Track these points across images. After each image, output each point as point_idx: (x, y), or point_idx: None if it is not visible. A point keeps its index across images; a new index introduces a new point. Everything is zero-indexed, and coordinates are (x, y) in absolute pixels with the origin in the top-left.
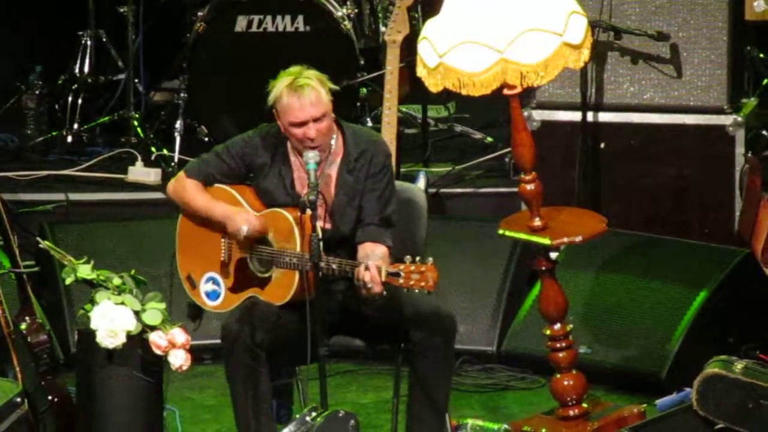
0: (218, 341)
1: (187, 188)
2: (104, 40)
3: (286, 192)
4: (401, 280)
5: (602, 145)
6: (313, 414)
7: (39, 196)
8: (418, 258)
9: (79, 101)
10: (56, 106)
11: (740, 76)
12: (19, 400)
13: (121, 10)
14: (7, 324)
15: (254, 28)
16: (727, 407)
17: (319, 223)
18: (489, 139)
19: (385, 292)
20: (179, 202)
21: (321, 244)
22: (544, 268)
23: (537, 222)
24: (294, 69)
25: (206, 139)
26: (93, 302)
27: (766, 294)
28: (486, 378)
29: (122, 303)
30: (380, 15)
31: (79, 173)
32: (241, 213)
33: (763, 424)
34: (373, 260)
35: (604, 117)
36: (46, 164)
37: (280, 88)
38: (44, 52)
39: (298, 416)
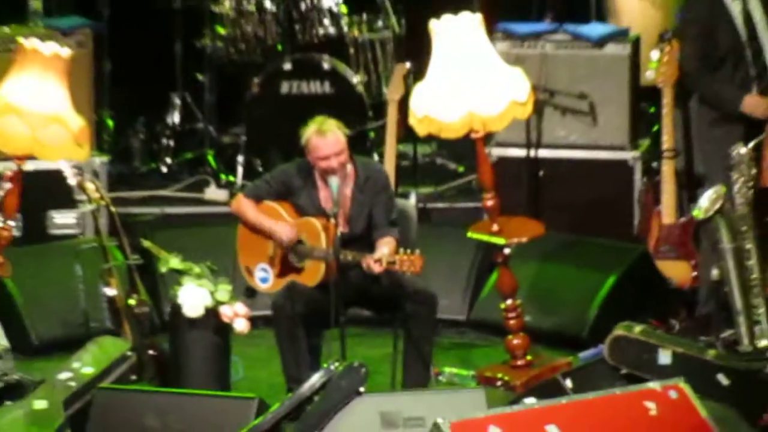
0: (268, 312)
1: (244, 205)
2: (188, 99)
3: (314, 206)
4: (397, 266)
5: (540, 173)
6: (336, 364)
7: (143, 209)
8: (409, 250)
9: (171, 142)
10: (154, 146)
11: (637, 124)
12: (129, 353)
13: (200, 77)
14: (121, 300)
15: (293, 91)
16: (628, 358)
17: (339, 228)
18: (461, 168)
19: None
20: (239, 215)
21: (340, 243)
22: (500, 260)
23: (495, 227)
24: (319, 118)
25: (260, 169)
26: (180, 285)
27: (657, 277)
28: (459, 338)
29: (201, 285)
30: (383, 80)
31: (171, 193)
32: (281, 227)
33: (653, 369)
34: (383, 249)
35: (542, 153)
36: (148, 187)
37: (309, 132)
38: (146, 107)
39: (324, 365)
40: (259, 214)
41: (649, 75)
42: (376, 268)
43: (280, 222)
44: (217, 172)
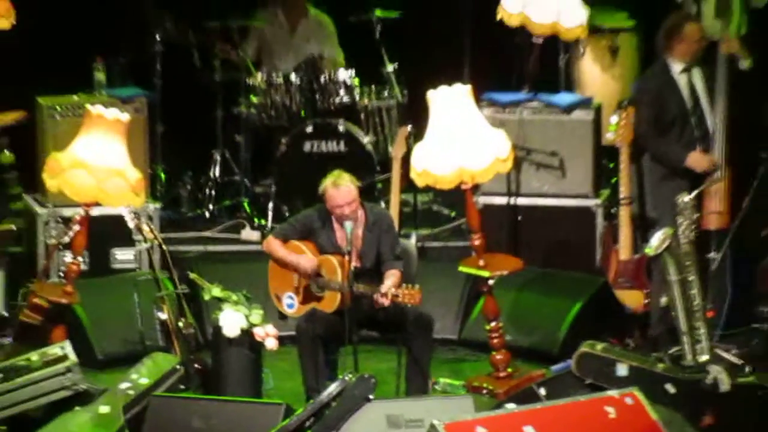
0: (293, 333)
1: (273, 245)
2: (227, 155)
3: (332, 245)
4: (400, 299)
5: (519, 217)
6: (349, 375)
7: (189, 247)
8: (410, 285)
9: (213, 191)
10: (199, 195)
11: (599, 177)
12: (178, 367)
13: (237, 138)
14: (172, 322)
15: (314, 149)
16: (592, 370)
17: (352, 263)
18: (453, 213)
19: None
20: (269, 252)
21: (353, 277)
22: (485, 289)
23: (481, 262)
24: (335, 172)
25: (286, 214)
26: (220, 310)
27: (615, 304)
28: (451, 354)
29: (238, 310)
30: (389, 140)
31: (212, 234)
32: (303, 259)
33: (612, 380)
34: (391, 280)
35: (520, 201)
36: (193, 229)
37: (326, 184)
38: (192, 162)
39: (340, 377)
40: (285, 251)
41: (609, 136)
42: (384, 302)
43: (302, 255)
44: (251, 216)
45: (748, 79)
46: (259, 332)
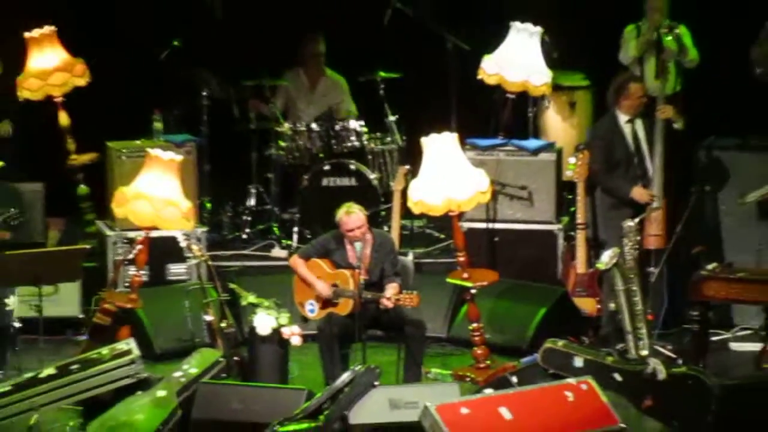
0: (314, 332)
1: (296, 262)
2: (260, 189)
3: (345, 262)
4: (401, 302)
5: (495, 239)
6: (359, 366)
7: (230, 263)
8: (410, 291)
9: (248, 218)
10: (237, 221)
11: (560, 206)
12: (221, 359)
13: (268, 175)
14: (216, 323)
15: (331, 184)
16: (554, 362)
17: (362, 276)
18: (442, 236)
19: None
20: (293, 268)
21: (363, 287)
22: (468, 297)
23: (465, 275)
24: (347, 203)
25: (308, 236)
26: (255, 313)
27: (573, 309)
28: (441, 349)
29: (269, 314)
30: (390, 177)
31: (248, 252)
32: (320, 284)
33: (570, 370)
34: (390, 291)
35: (497, 225)
36: (233, 248)
37: (340, 212)
38: (232, 195)
39: (351, 367)
40: (306, 270)
41: (568, 173)
42: (388, 304)
43: (319, 281)
44: (279, 238)
45: (680, 131)
46: (286, 331)
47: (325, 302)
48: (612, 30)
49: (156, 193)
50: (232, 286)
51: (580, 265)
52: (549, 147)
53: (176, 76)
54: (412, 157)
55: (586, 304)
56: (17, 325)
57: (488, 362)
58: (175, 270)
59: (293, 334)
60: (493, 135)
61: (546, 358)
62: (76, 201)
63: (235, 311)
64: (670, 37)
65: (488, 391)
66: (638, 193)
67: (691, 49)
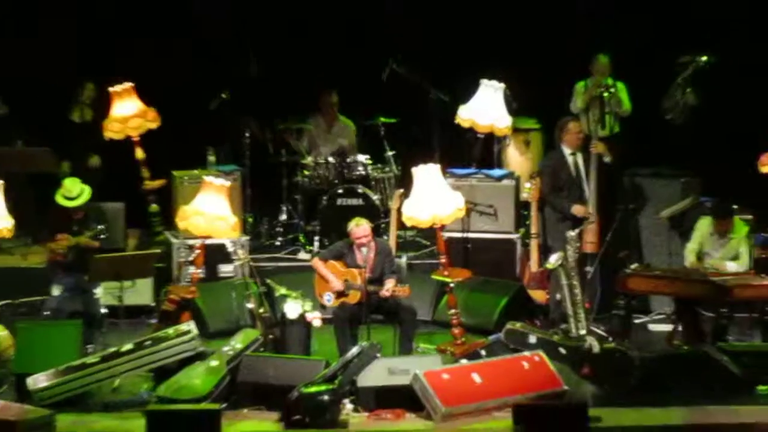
0: (331, 317)
1: (317, 263)
2: (290, 207)
3: (354, 263)
4: (397, 293)
5: (469, 246)
6: (365, 343)
7: (266, 264)
8: (402, 284)
9: (281, 229)
10: (272, 231)
11: (519, 220)
12: (260, 337)
13: (296, 196)
14: (256, 309)
15: (344, 203)
16: (514, 340)
17: (367, 274)
18: (428, 243)
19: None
20: (314, 268)
21: (368, 282)
22: (448, 289)
23: (446, 273)
24: (356, 218)
25: (326, 243)
26: (285, 302)
27: (528, 299)
28: (427, 330)
29: (296, 302)
30: (389, 198)
31: (281, 256)
32: (334, 281)
33: (526, 346)
34: (388, 285)
35: (470, 235)
36: (269, 252)
37: (351, 225)
38: (268, 211)
39: (359, 344)
40: (325, 269)
41: (524, 195)
42: (387, 295)
43: (334, 278)
44: (304, 245)
45: (609, 163)
46: (309, 316)
47: (339, 294)
48: (557, 86)
49: (210, 210)
50: (268, 281)
51: (534, 265)
52: (510, 175)
53: (225, 121)
54: (405, 182)
55: (538, 295)
56: (104, 311)
57: (463, 339)
58: (225, 269)
59: (315, 318)
60: (467, 166)
61: (507, 336)
62: (148, 216)
63: (271, 300)
64: (606, 94)
65: (463, 361)
66: (578, 209)
67: (625, 103)
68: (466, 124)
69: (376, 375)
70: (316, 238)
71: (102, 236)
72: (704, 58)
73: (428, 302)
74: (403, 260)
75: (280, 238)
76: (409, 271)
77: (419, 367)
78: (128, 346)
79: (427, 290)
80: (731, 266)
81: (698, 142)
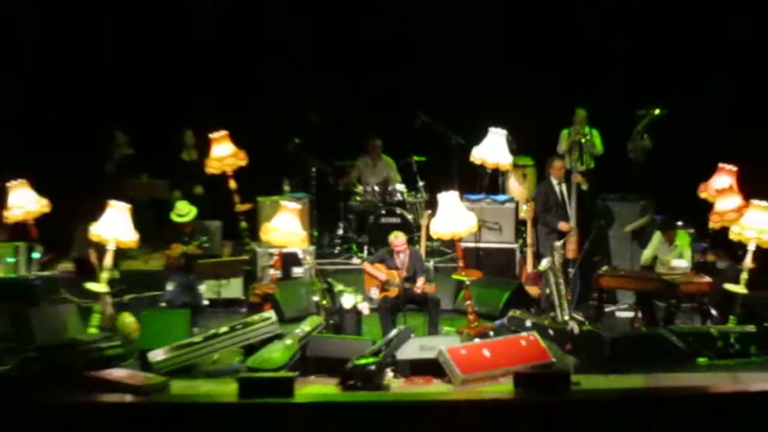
0: (376, 307)
1: (366, 266)
2: (345, 224)
3: (393, 266)
4: (426, 289)
5: (480, 253)
6: (402, 327)
7: (328, 266)
8: (430, 282)
9: (338, 241)
10: (332, 243)
11: (518, 234)
12: (323, 322)
13: (350, 216)
14: (320, 301)
15: (385, 222)
16: (515, 324)
17: (403, 273)
18: (449, 251)
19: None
20: (364, 269)
21: (404, 280)
22: (464, 286)
23: (463, 273)
24: (395, 232)
25: (373, 251)
26: (342, 295)
27: (525, 293)
28: (449, 317)
29: (350, 295)
30: (420, 217)
31: (338, 261)
32: (381, 275)
33: (524, 328)
34: (419, 282)
35: (481, 245)
36: (330, 258)
37: (391, 237)
38: (329, 227)
39: (397, 327)
40: (372, 270)
41: (522, 215)
42: (418, 291)
43: (381, 273)
44: (356, 252)
45: (586, 190)
46: (360, 306)
47: (382, 289)
48: (547, 133)
49: (285, 226)
50: (329, 279)
51: (529, 268)
52: (511, 200)
53: (297, 159)
54: (432, 205)
55: (533, 290)
56: (205, 302)
57: (476, 324)
58: (296, 271)
59: (364, 308)
60: (479, 193)
61: (510, 321)
62: (239, 231)
63: (331, 294)
64: (584, 140)
65: (476, 340)
66: (563, 225)
67: (598, 146)
68: (477, 162)
69: (410, 350)
70: (365, 247)
71: (205, 245)
72: (657, 111)
73: (450, 295)
74: (431, 264)
75: (338, 248)
76: (435, 272)
77: (443, 344)
78: (224, 329)
79: (449, 286)
80: (675, 262)
81: (653, 174)
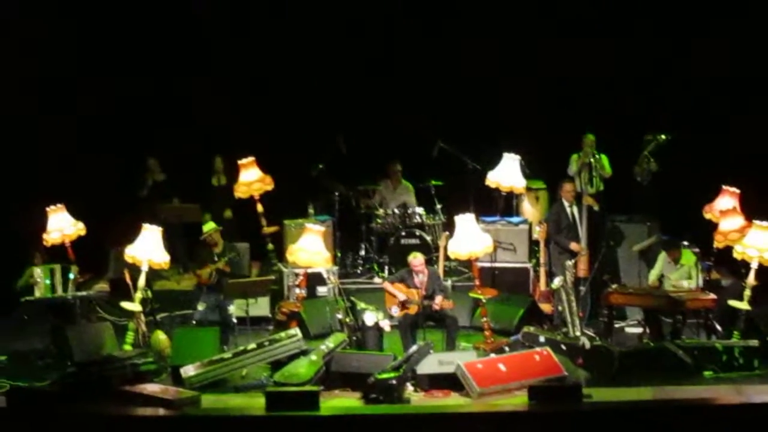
0: (396, 323)
1: (386, 285)
2: (367, 246)
3: (413, 285)
4: (444, 306)
5: (496, 272)
6: (421, 342)
7: (350, 285)
8: (448, 299)
9: (360, 261)
10: (355, 263)
11: (531, 253)
12: (345, 339)
13: (371, 238)
14: (343, 319)
15: (405, 243)
16: (530, 339)
17: (422, 292)
18: (466, 270)
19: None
20: (384, 288)
21: (423, 298)
22: (481, 303)
23: (479, 291)
24: (414, 252)
25: (393, 270)
26: (365, 312)
27: (539, 310)
28: (466, 333)
29: (372, 312)
30: (438, 239)
31: (360, 280)
32: (399, 295)
33: (537, 344)
34: (438, 300)
35: (497, 264)
36: (352, 277)
37: (410, 257)
38: (351, 248)
39: (418, 343)
40: (392, 289)
41: (535, 236)
42: (437, 308)
43: (400, 293)
44: (378, 272)
45: (596, 212)
46: (381, 323)
47: (402, 307)
48: (558, 157)
49: (310, 247)
50: (352, 298)
51: (542, 286)
52: (524, 221)
53: (321, 184)
54: (449, 227)
55: (545, 307)
56: (234, 320)
57: (492, 339)
58: (321, 290)
59: (385, 324)
60: (494, 215)
61: (524, 337)
62: (266, 253)
63: (354, 312)
64: (593, 162)
65: (492, 355)
66: (574, 246)
67: (606, 169)
68: (492, 185)
69: (429, 365)
70: (386, 267)
71: (234, 260)
72: (663, 136)
73: (467, 312)
74: (449, 283)
75: (360, 268)
76: (453, 290)
77: (461, 359)
78: (252, 345)
79: (466, 304)
80: (685, 284)
81: (659, 196)
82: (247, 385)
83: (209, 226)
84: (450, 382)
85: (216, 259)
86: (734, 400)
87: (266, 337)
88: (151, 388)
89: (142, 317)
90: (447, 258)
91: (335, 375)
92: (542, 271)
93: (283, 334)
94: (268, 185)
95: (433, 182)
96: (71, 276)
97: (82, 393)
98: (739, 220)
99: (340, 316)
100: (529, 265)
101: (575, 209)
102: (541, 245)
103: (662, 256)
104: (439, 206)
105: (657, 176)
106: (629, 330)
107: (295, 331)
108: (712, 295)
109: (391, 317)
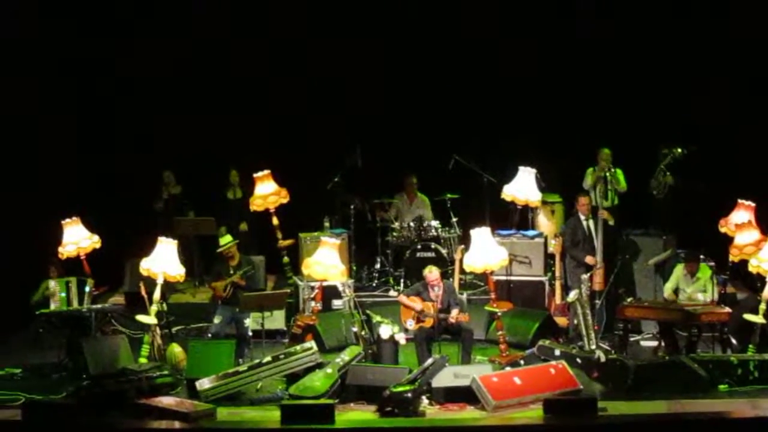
0: (412, 337)
1: (402, 298)
2: (382, 259)
3: (428, 298)
4: (459, 319)
5: (511, 285)
6: (437, 356)
7: (366, 299)
8: (463, 313)
9: (376, 275)
10: (370, 275)
11: (546, 267)
12: (361, 352)
13: (387, 251)
14: (358, 332)
15: (421, 256)
16: (544, 353)
17: (438, 305)
18: (482, 283)
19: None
20: (400, 302)
21: (438, 312)
22: (496, 317)
23: (495, 305)
24: (430, 266)
25: (409, 284)
26: (380, 325)
27: (554, 323)
28: (482, 346)
29: (387, 325)
30: (453, 252)
31: (376, 293)
32: (416, 307)
33: (553, 357)
34: (453, 313)
35: (512, 278)
36: (368, 290)
37: (426, 271)
38: (366, 261)
39: (433, 356)
40: (408, 302)
41: (551, 249)
42: (452, 321)
43: (417, 305)
44: (393, 285)
45: (612, 225)
46: (397, 336)
47: (418, 320)
48: (573, 171)
49: (326, 261)
50: (367, 311)
51: (557, 299)
52: (540, 235)
53: (336, 197)
54: (465, 240)
55: (561, 321)
56: (250, 333)
57: (508, 353)
58: (336, 303)
59: (401, 338)
60: (509, 228)
61: (540, 350)
62: (282, 266)
63: (369, 325)
64: (608, 176)
65: (508, 368)
66: (590, 259)
67: (621, 183)
68: (508, 199)
69: (445, 378)
70: (401, 280)
71: (250, 273)
72: (679, 150)
73: (482, 326)
74: (464, 296)
75: (375, 281)
76: (469, 304)
77: (476, 372)
78: (268, 358)
79: (481, 317)
80: (700, 297)
81: (675, 210)
82: (262, 398)
83: (226, 240)
84: (465, 395)
85: (232, 272)
86: (749, 413)
87: (281, 350)
88: (167, 401)
89: (158, 330)
90: (462, 271)
91: (350, 388)
92: (557, 284)
93: (298, 347)
94: (284, 198)
95: (449, 195)
96: (87, 289)
97: (98, 406)
98: (754, 234)
99: (355, 329)
100: (544, 279)
101: (591, 223)
102: (557, 259)
103: (678, 270)
104: (454, 219)
105: (672, 190)
106: (644, 343)
107: (311, 344)
108: (728, 309)
109: (406, 330)
